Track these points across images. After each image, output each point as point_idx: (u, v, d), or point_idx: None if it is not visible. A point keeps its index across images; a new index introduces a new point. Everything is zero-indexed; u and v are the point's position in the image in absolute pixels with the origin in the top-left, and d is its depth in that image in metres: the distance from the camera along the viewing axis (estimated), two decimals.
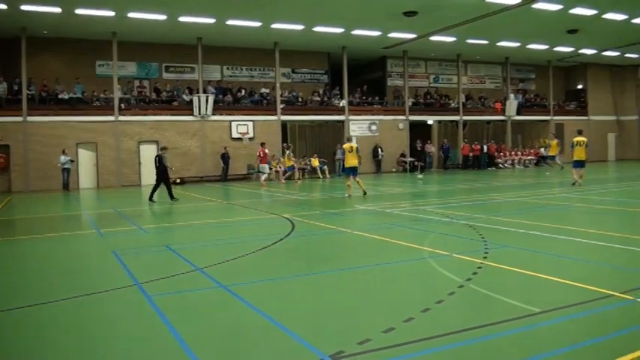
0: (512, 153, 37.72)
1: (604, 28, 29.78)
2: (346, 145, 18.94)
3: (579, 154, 20.36)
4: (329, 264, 8.52)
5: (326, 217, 13.99)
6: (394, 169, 34.51)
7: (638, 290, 6.31)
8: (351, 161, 18.53)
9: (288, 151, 28.05)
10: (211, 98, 29.44)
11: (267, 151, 26.91)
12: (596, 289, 6.35)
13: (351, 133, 33.21)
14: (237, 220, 14.11)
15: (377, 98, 35.77)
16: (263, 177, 26.60)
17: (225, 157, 29.33)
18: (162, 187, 19.46)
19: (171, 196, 19.16)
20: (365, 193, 18.36)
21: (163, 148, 19.86)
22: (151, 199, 19.02)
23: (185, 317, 5.88)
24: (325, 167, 30.97)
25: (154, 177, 19.72)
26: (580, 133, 21.11)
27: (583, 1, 24.78)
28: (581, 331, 5.16)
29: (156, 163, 19.40)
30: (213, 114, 29.60)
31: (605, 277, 7.10)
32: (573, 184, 20.30)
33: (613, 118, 45.01)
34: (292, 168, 28.23)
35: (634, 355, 4.45)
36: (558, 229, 10.54)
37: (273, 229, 11.89)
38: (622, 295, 6.10)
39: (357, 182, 18.52)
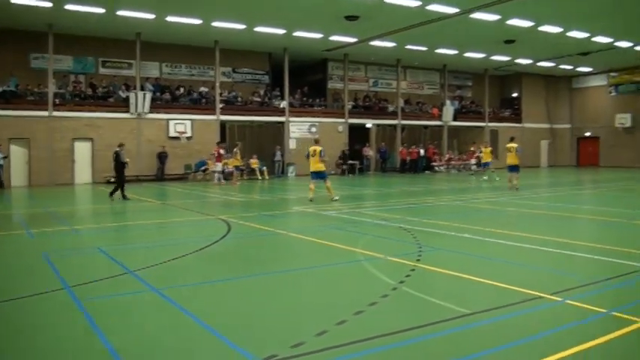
0: (447, 158, 38.71)
1: (540, 39, 30.77)
2: (310, 149, 18.19)
3: (510, 159, 21.72)
4: (263, 266, 8.50)
5: (263, 218, 13.95)
6: (333, 172, 34.64)
7: (566, 292, 6.57)
8: (313, 165, 17.82)
9: (235, 150, 27.72)
10: (149, 95, 28.85)
11: (222, 151, 26.86)
12: (527, 290, 6.57)
13: (291, 135, 33.30)
14: (171, 222, 13.91)
15: (318, 100, 35.91)
16: (217, 177, 26.78)
17: (161, 157, 28.83)
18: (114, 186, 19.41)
19: (112, 194, 19.02)
20: (332, 199, 17.47)
21: (120, 145, 19.56)
22: (124, 197, 18.85)
23: (115, 322, 5.75)
24: (264, 168, 30.86)
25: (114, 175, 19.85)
26: (512, 139, 22.42)
27: (520, 13, 25.53)
28: (511, 331, 5.32)
29: (113, 160, 19.30)
30: (151, 112, 29.02)
31: (535, 279, 7.34)
32: (516, 188, 21.20)
33: (546, 125, 46.68)
34: (239, 168, 27.98)
35: (562, 355, 4.64)
36: (491, 233, 10.84)
37: (209, 230, 11.77)
38: (551, 297, 6.34)
39: (327, 187, 17.79)
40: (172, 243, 10.62)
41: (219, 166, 26.83)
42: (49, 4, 23.27)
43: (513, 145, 21.83)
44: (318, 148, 17.87)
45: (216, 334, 5.30)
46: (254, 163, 30.62)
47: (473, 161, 36.17)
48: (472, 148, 37.46)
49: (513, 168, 21.60)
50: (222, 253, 9.50)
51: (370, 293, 6.55)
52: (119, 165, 19.06)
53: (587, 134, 45.55)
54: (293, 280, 7.60)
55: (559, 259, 8.65)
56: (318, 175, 17.86)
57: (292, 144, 33.31)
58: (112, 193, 19.00)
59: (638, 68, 41.51)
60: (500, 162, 31.25)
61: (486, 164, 29.18)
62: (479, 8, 24.32)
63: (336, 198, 17.64)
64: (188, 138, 29.99)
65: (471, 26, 27.49)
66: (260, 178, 30.14)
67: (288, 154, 33.06)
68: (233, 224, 12.57)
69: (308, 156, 18.09)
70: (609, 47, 33.34)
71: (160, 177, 28.83)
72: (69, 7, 23.58)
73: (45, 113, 26.73)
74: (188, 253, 9.16)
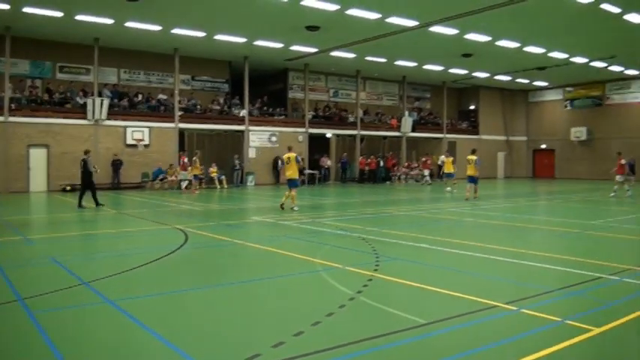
0: (407, 164, 39.04)
1: (497, 53, 31.41)
2: (284, 156, 18.14)
3: (468, 170, 22.55)
4: (220, 277, 8.42)
5: (221, 228, 13.85)
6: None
7: (521, 301, 6.70)
8: (288, 172, 17.80)
9: (194, 158, 27.39)
10: (106, 102, 28.38)
11: (186, 159, 26.77)
12: (482, 300, 6.67)
13: (251, 144, 33.17)
14: (127, 231, 13.67)
15: (278, 110, 35.89)
16: (185, 184, 26.76)
17: (115, 165, 28.30)
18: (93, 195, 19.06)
19: (97, 204, 18.68)
20: (292, 209, 17.51)
21: (87, 152, 19.21)
22: (79, 205, 18.46)
23: (68, 335, 5.62)
24: (223, 177, 30.63)
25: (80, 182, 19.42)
26: (473, 152, 23.01)
27: (478, 28, 26.01)
28: (466, 340, 5.38)
29: (81, 168, 18.91)
30: (108, 119, 28.55)
31: (491, 289, 7.47)
32: (475, 197, 22.20)
33: (503, 138, 47.75)
34: (198, 177, 27.64)
35: None
36: (448, 243, 10.97)
37: (166, 240, 11.64)
38: (506, 306, 6.45)
39: (290, 196, 17.71)
40: (128, 253, 10.44)
41: (185, 174, 26.68)
42: (7, 7, 22.73)
43: (473, 157, 22.55)
44: (293, 155, 17.97)
45: (172, 346, 5.22)
46: (213, 171, 30.40)
47: (426, 172, 36.33)
48: (424, 159, 37.74)
49: (472, 179, 22.35)
50: (179, 264, 9.39)
51: (328, 303, 6.56)
52: (87, 173, 18.70)
53: (543, 147, 46.62)
54: (250, 290, 7.55)
55: (515, 269, 8.82)
56: (292, 183, 17.89)
57: (252, 153, 33.20)
58: (96, 203, 18.69)
59: (593, 83, 42.72)
60: (458, 173, 31.57)
61: (449, 175, 28.40)
62: (438, 22, 24.73)
63: (296, 208, 17.62)
64: (146, 146, 29.59)
65: (429, 39, 27.88)
66: (219, 187, 29.92)
67: (248, 163, 32.92)
68: (190, 234, 12.44)
69: (283, 164, 18.19)
70: (565, 63, 34.26)
71: (117, 185, 28.33)
72: (27, 9, 23.04)
73: (0, 118, 26.05)
74: (144, 264, 9.01)
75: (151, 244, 11.52)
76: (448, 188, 27.17)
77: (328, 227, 13.70)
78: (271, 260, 9.62)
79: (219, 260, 9.93)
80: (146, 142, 29.67)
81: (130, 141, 29.23)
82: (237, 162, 32.35)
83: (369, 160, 36.82)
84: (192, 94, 32.93)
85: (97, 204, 18.70)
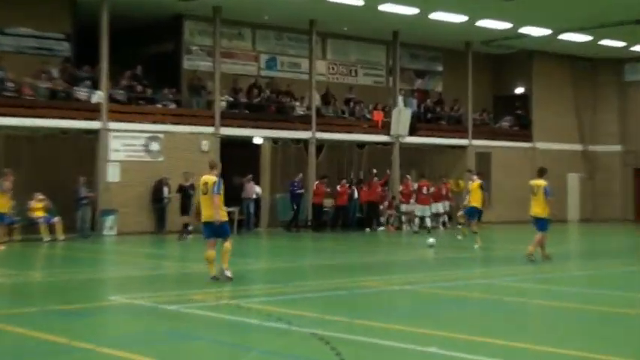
0: (405, 183, 38.44)
1: None
2: (201, 179, 18.32)
3: (533, 207, 21.96)
4: None
5: (50, 319, 13.65)
6: (190, 226, 33.78)
7: None
8: (206, 210, 17.91)
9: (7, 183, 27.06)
10: None
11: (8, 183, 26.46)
12: None
13: (113, 156, 32.81)
14: None
15: (166, 91, 35.64)
16: None
17: None
18: None
19: None
20: (224, 274, 17.56)
21: None
22: None
23: None
24: (56, 219, 30.15)
25: None
26: (542, 173, 22.43)
27: None
28: None
29: None
30: None
31: None
32: (530, 255, 21.49)
33: (577, 147, 48.51)
34: (7, 218, 27.22)
35: None
36: (478, 344, 10.92)
37: None
38: None
39: (223, 252, 17.73)
40: None
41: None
42: None
43: (540, 182, 21.90)
44: (212, 179, 17.83)
45: None
46: (37, 208, 29.93)
47: (439, 206, 36.24)
48: (422, 183, 36.99)
49: (540, 223, 21.78)
50: None
51: None
52: None
53: None
54: None
55: None
56: (217, 231, 17.90)
57: (113, 173, 32.87)
58: None
59: None
60: (495, 211, 31.67)
61: (473, 213, 27.77)
62: None
63: (229, 274, 17.55)
64: None
65: None
66: (47, 237, 29.45)
67: (106, 192, 32.54)
68: None
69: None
70: None
71: None
72: None
73: None
74: None
75: None
76: (459, 236, 26.71)
77: (257, 315, 13.61)
78: None
79: None
80: None
81: None
82: (83, 190, 31.94)
83: (339, 189, 36.63)
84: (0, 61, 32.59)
85: None
